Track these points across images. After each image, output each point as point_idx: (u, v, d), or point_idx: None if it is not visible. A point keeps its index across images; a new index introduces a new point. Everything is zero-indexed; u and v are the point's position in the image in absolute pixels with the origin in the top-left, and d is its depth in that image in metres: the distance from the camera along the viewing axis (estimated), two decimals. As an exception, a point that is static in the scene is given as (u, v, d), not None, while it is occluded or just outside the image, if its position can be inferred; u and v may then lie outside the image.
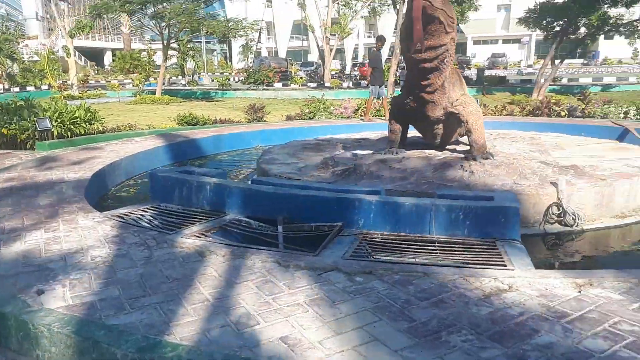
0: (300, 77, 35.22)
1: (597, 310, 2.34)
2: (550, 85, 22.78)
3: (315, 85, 34.28)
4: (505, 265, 2.87)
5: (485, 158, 5.22)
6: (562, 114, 13.29)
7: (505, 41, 69.09)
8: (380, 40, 11.10)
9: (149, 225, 3.85)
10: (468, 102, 5.39)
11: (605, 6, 19.59)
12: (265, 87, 30.92)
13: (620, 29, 20.78)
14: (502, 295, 2.52)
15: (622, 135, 9.02)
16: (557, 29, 22.20)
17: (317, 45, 41.10)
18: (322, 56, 39.87)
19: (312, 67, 45.63)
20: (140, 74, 33.93)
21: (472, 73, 31.26)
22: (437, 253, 3.10)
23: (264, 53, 73.20)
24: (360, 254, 3.08)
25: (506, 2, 66.21)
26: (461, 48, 73.10)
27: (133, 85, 32.43)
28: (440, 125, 5.66)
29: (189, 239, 3.47)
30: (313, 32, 41.62)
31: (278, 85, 33.37)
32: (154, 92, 25.25)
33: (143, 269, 2.97)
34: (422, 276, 2.76)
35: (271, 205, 3.83)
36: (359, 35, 67.73)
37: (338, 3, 40.46)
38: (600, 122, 10.57)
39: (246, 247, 3.28)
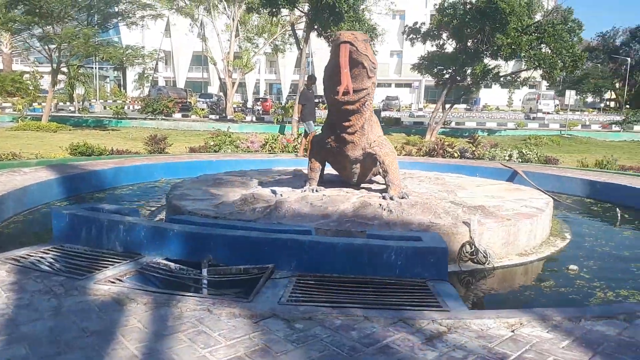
0: (202, 109, 34.57)
1: (533, 350, 2.42)
2: (441, 127, 24.51)
3: (217, 117, 33.86)
4: (440, 307, 2.91)
5: (401, 197, 5.38)
6: (455, 155, 14.26)
7: (398, 85, 73.65)
8: (311, 79, 11.55)
9: (53, 270, 3.42)
10: (384, 144, 5.56)
11: (487, 59, 21.70)
12: (164, 117, 29.93)
13: (501, 79, 23.04)
14: (443, 338, 2.53)
15: (512, 176, 9.87)
16: (447, 76, 24.12)
17: (219, 78, 40.84)
18: (224, 89, 39.65)
19: (213, 99, 45.12)
20: (23, 97, 31.34)
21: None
22: (373, 295, 3.07)
23: (161, 82, 71.22)
24: (297, 299, 2.96)
25: (398, 49, 70.89)
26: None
27: (14, 110, 29.77)
28: (358, 165, 5.77)
29: (104, 285, 3.12)
30: (215, 65, 41.37)
31: (177, 115, 32.51)
32: (39, 118, 23.34)
33: (53, 322, 2.60)
34: (363, 320, 2.70)
35: (194, 247, 3.60)
36: (260, 71, 68.49)
37: (239, 38, 40.74)
38: (491, 164, 11.47)
39: (171, 293, 3.01)
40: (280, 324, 2.64)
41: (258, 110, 41.54)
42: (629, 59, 73.37)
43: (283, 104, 31.54)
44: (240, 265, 3.45)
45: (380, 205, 5.16)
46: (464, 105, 64.63)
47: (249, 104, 50.25)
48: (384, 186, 6.44)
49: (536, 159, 14.21)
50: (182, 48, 70.95)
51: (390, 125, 28.23)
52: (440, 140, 15.92)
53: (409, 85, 73.66)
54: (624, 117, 30.58)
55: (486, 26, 19.72)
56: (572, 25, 19.46)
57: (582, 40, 20.86)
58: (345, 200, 5.44)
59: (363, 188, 6.19)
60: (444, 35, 24.08)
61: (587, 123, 32.72)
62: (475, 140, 15.01)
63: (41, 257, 3.68)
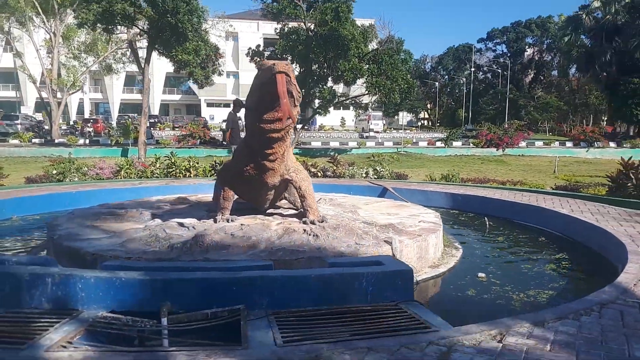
0: (30, 132, 30.67)
1: (530, 358, 2.66)
2: (295, 148, 25.27)
3: (41, 141, 30.36)
4: (427, 327, 3.03)
5: (321, 221, 5.45)
6: (319, 174, 14.82)
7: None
8: (236, 103, 11.53)
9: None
10: (300, 169, 5.59)
11: (330, 83, 23.10)
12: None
13: (346, 102, 24.65)
14: (451, 357, 2.65)
15: (382, 192, 10.60)
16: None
17: (40, 97, 36.72)
18: (47, 109, 35.72)
19: (28, 121, 40.35)
20: None
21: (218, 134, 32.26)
22: (357, 324, 3.07)
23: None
24: (291, 338, 2.83)
25: (234, 70, 71.47)
26: (195, 109, 75.22)
27: None
28: (272, 191, 5.70)
29: (59, 352, 2.63)
30: (34, 83, 37.15)
31: (-8, 141, 28.42)
32: None
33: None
34: (369, 351, 2.70)
35: (146, 295, 3.21)
36: (85, 89, 63.24)
37: (66, 55, 37.26)
38: (360, 182, 12.16)
39: (152, 350, 2.66)
40: (292, 369, 2.51)
41: (89, 132, 38.21)
42: (437, 83, 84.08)
43: (122, 125, 29.59)
44: (207, 310, 3.17)
45: (305, 230, 5.16)
46: (300, 125, 67.25)
47: (71, 125, 45.97)
48: (293, 210, 6.48)
49: (389, 175, 15.45)
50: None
51: (240, 146, 28.23)
52: (304, 161, 16.40)
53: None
54: (446, 135, 34.87)
55: (330, 52, 21.01)
56: (405, 57, 21.74)
57: (410, 68, 23.31)
58: (265, 228, 5.31)
59: (275, 214, 6.11)
60: (289, 59, 24.99)
61: (415, 140, 36.57)
62: (335, 160, 15.80)
63: (-57, 329, 2.95)
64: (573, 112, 64.79)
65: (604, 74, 41.13)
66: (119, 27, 22.53)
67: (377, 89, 21.14)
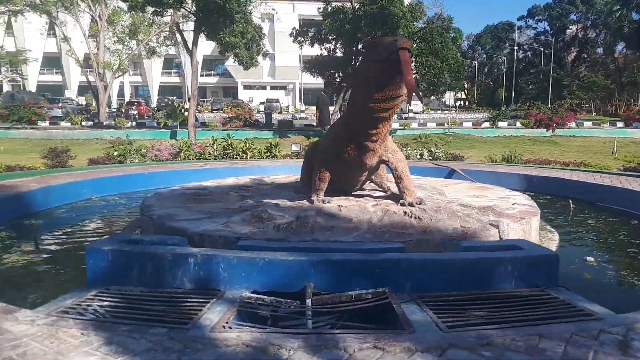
0: (81, 116, 31.42)
1: None
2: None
3: (91, 124, 31.08)
4: (590, 314, 2.90)
5: (419, 203, 5.34)
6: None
7: (273, 87, 74.01)
8: (327, 85, 11.43)
9: (138, 320, 2.80)
10: (396, 150, 5.48)
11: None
12: (32, 126, 26.67)
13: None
14: (632, 345, 2.53)
15: (449, 174, 10.40)
16: (338, 79, 24.77)
17: (88, 81, 37.47)
18: (94, 93, 36.47)
19: (73, 104, 41.35)
20: None
21: (261, 116, 32.39)
22: (509, 309, 2.97)
23: (5, 87, 63.49)
24: (454, 323, 2.76)
25: (270, 52, 71.23)
26: (232, 91, 75.71)
27: None
28: (366, 173, 5.62)
29: (225, 333, 2.63)
30: (82, 67, 37.95)
31: (45, 124, 29.19)
32: None
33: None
34: (539, 338, 2.60)
35: (290, 275, 3.19)
36: (125, 73, 64.41)
37: (110, 39, 37.83)
38: (422, 163, 11.98)
39: (317, 333, 2.64)
40: (466, 355, 2.44)
41: (134, 114, 38.92)
42: (475, 62, 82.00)
43: (172, 107, 29.97)
44: (350, 292, 3.13)
45: (405, 213, 5.06)
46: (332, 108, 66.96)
47: (117, 108, 46.90)
48: (380, 192, 6.40)
49: (444, 156, 15.18)
50: (30, 49, 64.11)
51: (285, 128, 28.22)
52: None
53: (283, 87, 74.45)
54: (494, 115, 34.01)
55: (379, 31, 20.61)
56: (455, 35, 21.19)
57: (460, 47, 22.71)
58: (363, 210, 5.24)
59: (364, 195, 6.05)
60: (331, 39, 24.69)
61: (458, 121, 35.87)
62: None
63: (99, 306, 3.00)
64: (619, 92, 62.29)
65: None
66: (167, 9, 22.63)
67: (427, 69, 20.70)
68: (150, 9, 21.58)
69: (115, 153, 14.49)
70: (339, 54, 24.89)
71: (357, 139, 4.98)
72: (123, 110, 39.74)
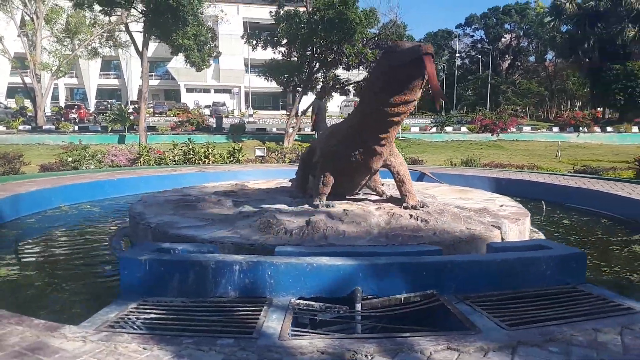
0: (19, 119, 29.64)
1: None
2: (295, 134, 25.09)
3: (29, 128, 29.42)
4: (630, 308, 3.08)
5: (422, 207, 5.46)
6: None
7: (217, 90, 72.83)
8: (324, 90, 13.06)
9: (196, 331, 2.71)
10: (397, 153, 5.58)
11: (336, 68, 23.03)
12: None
13: (348, 87, 24.56)
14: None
15: (420, 177, 10.67)
16: (293, 83, 24.78)
17: (24, 82, 35.42)
18: (31, 95, 34.52)
19: (1, 107, 39.05)
20: None
21: (212, 121, 31.80)
22: (551, 306, 3.10)
23: None
24: (512, 322, 2.85)
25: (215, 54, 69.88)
26: (173, 94, 73.81)
27: None
28: (368, 177, 5.69)
29: (295, 341, 2.60)
30: (16, 67, 35.87)
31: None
32: None
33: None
34: (596, 332, 2.74)
35: (337, 280, 3.19)
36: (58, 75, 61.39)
37: (48, 39, 36.01)
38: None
39: (388, 337, 2.65)
40: (536, 351, 2.53)
41: (74, 118, 37.18)
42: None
43: (120, 110, 28.84)
44: (398, 295, 3.17)
45: (411, 216, 5.16)
46: (283, 112, 67.01)
47: (57, 112, 44.63)
48: (376, 196, 6.46)
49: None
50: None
51: (238, 132, 27.88)
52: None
53: (228, 91, 73.46)
54: (442, 121, 35.09)
55: (335, 36, 20.83)
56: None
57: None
58: (368, 214, 5.29)
59: (362, 199, 6.11)
60: (284, 43, 24.66)
61: (408, 126, 36.77)
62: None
63: (147, 318, 2.88)
64: (550, 98, 66.02)
65: (587, 60, 42.06)
66: (116, 8, 21.85)
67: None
68: (97, 8, 20.73)
69: (70, 159, 13.81)
70: (293, 58, 24.89)
71: (366, 143, 5.02)
72: (62, 113, 37.82)
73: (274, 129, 34.26)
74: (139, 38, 24.49)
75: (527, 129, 35.06)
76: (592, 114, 36.48)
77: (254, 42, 25.92)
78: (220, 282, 3.18)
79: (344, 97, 58.01)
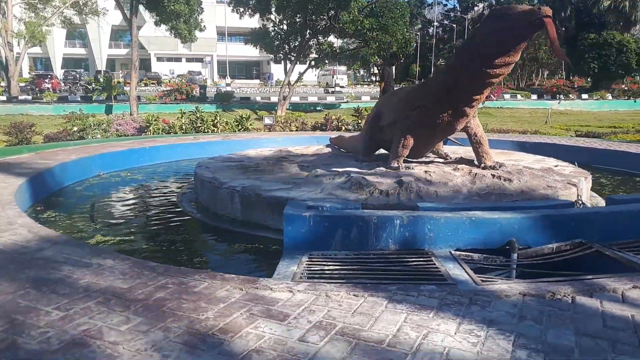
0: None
1: None
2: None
3: (4, 99, 28.26)
4: None
5: (500, 166, 5.65)
6: (350, 128, 14.88)
7: (189, 60, 71.06)
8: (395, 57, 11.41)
9: (392, 280, 2.84)
10: (476, 116, 5.71)
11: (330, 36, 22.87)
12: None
13: (340, 55, 24.41)
14: None
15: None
16: (285, 51, 24.43)
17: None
18: (3, 65, 32.96)
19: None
20: None
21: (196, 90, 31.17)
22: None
23: None
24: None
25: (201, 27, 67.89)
26: (144, 64, 71.59)
27: None
28: (443, 139, 5.83)
29: (493, 286, 2.76)
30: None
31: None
32: None
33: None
34: None
35: (494, 233, 3.35)
36: (21, 44, 58.62)
37: (20, 5, 34.27)
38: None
39: (576, 279, 2.83)
40: None
41: (48, 88, 35.77)
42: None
43: (106, 79, 27.71)
44: (550, 244, 3.36)
45: (494, 175, 5.34)
46: (257, 81, 66.10)
47: (30, 81, 42.80)
48: (439, 159, 6.59)
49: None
50: None
51: (226, 101, 27.49)
52: (327, 114, 16.34)
53: (200, 60, 71.83)
54: None
55: (330, 3, 20.56)
56: (402, 11, 21.66)
57: (407, 23, 23.27)
58: (448, 174, 5.44)
59: (429, 162, 6.25)
60: (274, 10, 24.17)
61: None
62: (360, 113, 15.86)
63: (330, 269, 2.99)
64: (521, 67, 66.99)
65: (563, 29, 42.88)
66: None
67: (377, 43, 21.04)
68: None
69: (75, 129, 13.46)
70: (282, 25, 24.47)
71: (456, 104, 5.12)
72: (36, 83, 36.29)
73: (258, 98, 33.87)
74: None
75: (507, 96, 35.72)
76: (572, 82, 37.52)
77: (242, 9, 25.30)
78: (382, 236, 3.30)
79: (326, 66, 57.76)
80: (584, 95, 36.55)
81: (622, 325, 2.34)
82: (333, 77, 51.31)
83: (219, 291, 2.72)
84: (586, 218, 3.44)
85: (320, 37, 22.45)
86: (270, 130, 14.87)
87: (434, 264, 3.08)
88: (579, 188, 5.37)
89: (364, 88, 51.66)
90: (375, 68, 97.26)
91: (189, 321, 2.36)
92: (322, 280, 2.86)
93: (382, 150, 6.77)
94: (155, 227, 5.37)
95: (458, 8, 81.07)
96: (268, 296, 2.65)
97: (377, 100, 9.24)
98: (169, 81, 37.80)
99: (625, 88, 36.71)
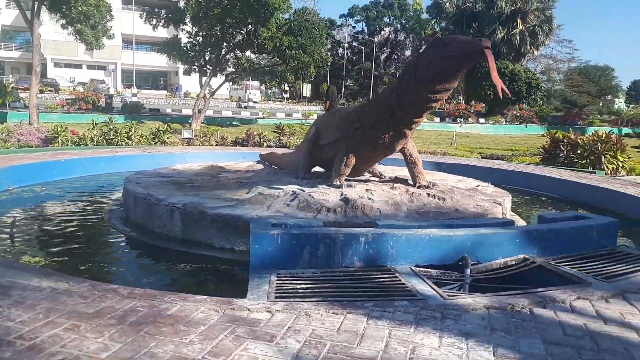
0: None
1: None
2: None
3: None
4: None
5: (433, 186, 5.96)
6: (272, 145, 14.90)
7: (90, 67, 67.40)
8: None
9: (363, 297, 2.91)
10: (412, 138, 5.98)
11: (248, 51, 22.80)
12: None
13: (261, 71, 24.36)
14: None
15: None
16: (201, 63, 23.99)
17: None
18: None
19: None
20: None
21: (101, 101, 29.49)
22: (612, 263, 3.77)
23: None
24: (601, 275, 3.44)
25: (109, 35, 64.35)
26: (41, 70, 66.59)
27: None
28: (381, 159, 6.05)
29: (458, 300, 2.93)
30: None
31: None
32: None
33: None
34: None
35: (449, 249, 3.55)
36: None
37: None
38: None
39: (530, 293, 3.08)
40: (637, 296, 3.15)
41: None
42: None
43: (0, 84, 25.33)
44: (496, 260, 3.62)
45: (428, 194, 5.64)
46: (164, 92, 64.15)
47: None
48: (375, 178, 6.79)
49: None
50: None
51: (135, 112, 26.33)
52: (248, 130, 16.21)
53: (103, 67, 68.38)
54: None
55: (250, 18, 20.57)
56: (320, 31, 22.17)
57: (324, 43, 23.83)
58: (388, 193, 5.65)
59: (367, 180, 6.44)
60: (189, 22, 23.78)
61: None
62: (282, 129, 15.94)
63: (299, 288, 3.01)
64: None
65: (462, 57, 46.17)
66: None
67: (296, 62, 21.30)
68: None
69: (-28, 137, 12.26)
70: (198, 37, 24.05)
71: (397, 126, 5.35)
72: None
73: (168, 110, 32.82)
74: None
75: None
76: (473, 107, 40.42)
77: (155, 20, 24.59)
78: (347, 253, 3.37)
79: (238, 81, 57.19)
80: (482, 120, 39.53)
81: (580, 333, 2.59)
82: (246, 92, 51.09)
83: (194, 313, 2.63)
84: (529, 235, 3.76)
85: (237, 52, 22.30)
86: (189, 144, 14.50)
87: (400, 280, 3.20)
88: (503, 207, 5.82)
89: (276, 104, 51.90)
90: (286, 85, 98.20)
91: (174, 345, 2.27)
92: (297, 299, 2.86)
93: (317, 168, 6.89)
94: (89, 247, 5.05)
95: (365, 31, 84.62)
96: (248, 317, 2.61)
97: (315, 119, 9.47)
98: (74, 89, 35.49)
99: (517, 114, 40.24)
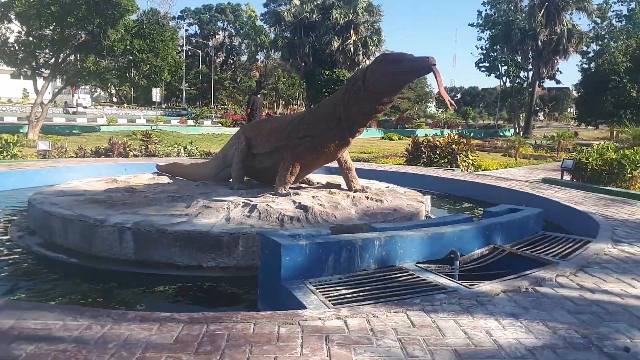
0: None
1: None
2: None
3: None
4: (588, 240, 4.76)
5: (367, 189, 6.39)
6: (137, 154, 14.05)
7: None
8: (259, 85, 13.07)
9: (404, 296, 3.17)
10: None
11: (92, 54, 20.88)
12: None
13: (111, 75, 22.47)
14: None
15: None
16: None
17: None
18: None
19: None
20: None
21: None
22: (561, 244, 4.55)
23: None
24: (558, 255, 4.16)
25: None
26: None
27: None
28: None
29: (477, 288, 3.36)
30: None
31: None
32: None
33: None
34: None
35: (442, 245, 3.97)
36: None
37: None
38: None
39: (520, 276, 3.63)
40: (595, 269, 3.93)
41: None
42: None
43: None
44: (471, 252, 4.15)
45: (367, 197, 6.05)
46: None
47: None
48: (304, 185, 6.94)
49: (198, 154, 15.84)
50: None
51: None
52: (111, 139, 14.95)
53: None
54: (197, 114, 35.63)
55: (95, 19, 19.01)
56: (172, 34, 21.37)
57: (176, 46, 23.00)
58: (332, 199, 5.89)
59: (301, 188, 6.60)
60: (14, 19, 21.23)
61: (164, 118, 35.50)
62: (149, 137, 15.06)
63: (339, 294, 3.17)
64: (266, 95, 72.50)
65: (303, 64, 48.19)
66: None
67: (147, 66, 20.21)
68: None
69: None
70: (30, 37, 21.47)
71: (343, 135, 5.64)
72: None
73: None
74: None
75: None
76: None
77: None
78: (365, 257, 3.59)
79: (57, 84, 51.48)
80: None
81: (585, 302, 3.19)
82: (74, 96, 46.59)
83: (275, 329, 2.64)
84: (495, 227, 4.38)
85: (82, 54, 20.41)
86: (45, 157, 12.96)
87: (418, 276, 3.53)
88: (426, 205, 6.51)
89: (106, 109, 48.15)
90: (113, 88, 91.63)
91: (296, 360, 2.29)
92: (353, 304, 3.01)
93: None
94: (31, 279, 4.41)
95: (199, 34, 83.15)
96: (326, 326, 2.70)
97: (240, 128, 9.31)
98: None
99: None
